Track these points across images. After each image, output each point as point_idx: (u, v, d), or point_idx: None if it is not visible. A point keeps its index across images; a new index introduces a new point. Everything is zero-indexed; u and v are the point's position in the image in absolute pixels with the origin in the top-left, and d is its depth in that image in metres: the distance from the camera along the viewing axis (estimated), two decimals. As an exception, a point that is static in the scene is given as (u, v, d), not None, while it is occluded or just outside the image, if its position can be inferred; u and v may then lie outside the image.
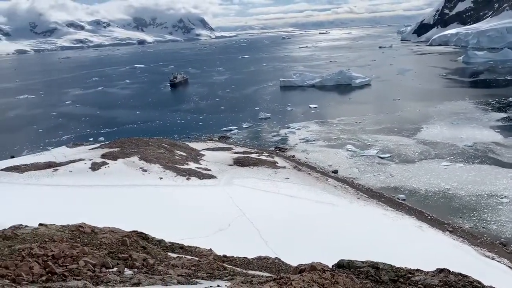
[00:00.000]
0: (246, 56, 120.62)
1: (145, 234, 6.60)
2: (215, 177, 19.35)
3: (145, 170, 19.12)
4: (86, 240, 5.49)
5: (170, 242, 6.81)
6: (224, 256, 6.81)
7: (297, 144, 26.81)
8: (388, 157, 22.75)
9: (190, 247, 6.92)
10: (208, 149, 25.86)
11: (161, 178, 18.15)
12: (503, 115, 30.38)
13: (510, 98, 35.84)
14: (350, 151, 24.26)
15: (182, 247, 6.82)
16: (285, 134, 29.32)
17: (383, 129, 28.83)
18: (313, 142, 26.94)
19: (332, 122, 32.03)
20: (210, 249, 7.04)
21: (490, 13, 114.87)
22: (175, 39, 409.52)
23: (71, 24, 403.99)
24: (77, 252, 4.63)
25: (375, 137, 26.75)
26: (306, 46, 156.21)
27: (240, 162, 22.27)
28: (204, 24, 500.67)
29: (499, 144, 23.53)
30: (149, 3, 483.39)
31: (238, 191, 16.22)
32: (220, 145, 27.37)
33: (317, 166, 22.20)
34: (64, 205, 13.94)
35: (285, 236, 10.95)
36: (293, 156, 24.30)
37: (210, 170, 20.34)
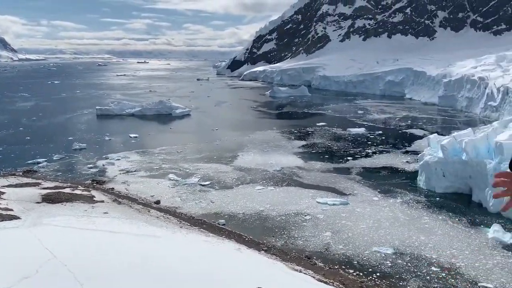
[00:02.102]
0: (56, 82, 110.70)
1: None
2: (19, 218, 16.91)
3: None
4: None
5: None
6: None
7: (116, 175, 25.59)
8: (209, 184, 23.60)
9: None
10: (9, 185, 22.49)
11: None
12: (303, 142, 34.91)
13: (307, 128, 41.51)
14: (172, 180, 24.32)
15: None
16: (103, 165, 27.70)
17: (203, 157, 29.87)
18: (134, 173, 26.12)
19: (153, 151, 31.70)
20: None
21: (289, 54, 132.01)
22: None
23: None
24: None
25: (196, 166, 27.48)
26: (124, 75, 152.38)
27: (50, 199, 19.96)
28: (4, 44, 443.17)
29: (301, 168, 26.85)
30: None
31: (47, 231, 14.45)
32: (25, 180, 24.11)
33: (138, 198, 21.52)
34: None
35: (104, 275, 10.19)
36: (112, 188, 23.07)
37: (12, 210, 17.67)
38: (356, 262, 14.69)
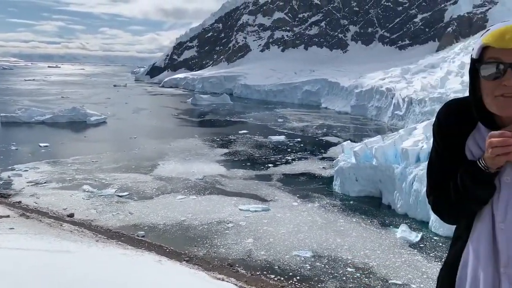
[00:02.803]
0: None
1: None
2: None
3: None
4: None
5: None
6: None
7: (24, 188, 23.65)
8: (127, 195, 22.72)
9: None
10: None
11: None
12: (226, 150, 35.06)
13: (229, 136, 41.79)
14: (87, 191, 23.03)
15: None
16: (9, 177, 25.44)
17: (121, 167, 28.71)
18: (44, 184, 24.32)
19: (66, 161, 29.80)
20: None
21: (211, 62, 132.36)
22: None
23: None
24: None
25: (113, 176, 26.33)
26: (34, 79, 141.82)
27: None
28: None
29: (224, 176, 26.92)
30: None
31: None
32: None
33: (49, 211, 20.06)
34: None
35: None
36: (19, 202, 21.26)
37: None
38: (277, 267, 15.01)
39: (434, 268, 14.93)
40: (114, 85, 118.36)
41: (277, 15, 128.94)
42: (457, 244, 1.86)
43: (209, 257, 15.68)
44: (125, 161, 30.37)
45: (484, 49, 1.62)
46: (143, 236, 17.43)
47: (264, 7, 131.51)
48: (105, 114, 52.46)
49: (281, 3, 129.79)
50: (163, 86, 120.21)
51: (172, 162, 30.46)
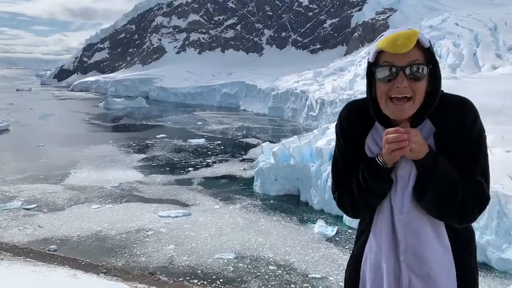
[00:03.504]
0: None
1: None
2: None
3: None
4: None
5: None
6: None
7: None
8: (35, 207, 21.05)
9: None
10: None
11: None
12: (143, 155, 33.98)
13: (147, 141, 40.58)
14: (-13, 206, 20.94)
15: None
16: None
17: (27, 177, 26.53)
18: None
19: (-40, 174, 26.84)
20: None
21: (124, 64, 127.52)
22: None
23: None
24: None
25: (18, 187, 24.25)
26: None
27: None
28: None
29: (142, 182, 26.07)
30: None
31: None
32: None
33: None
34: None
35: None
36: None
37: None
38: (200, 271, 14.89)
39: (350, 260, 15.81)
40: (17, 90, 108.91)
41: (192, 17, 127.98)
42: (362, 237, 1.99)
43: (128, 267, 15.09)
44: (32, 171, 28.12)
45: (379, 53, 1.75)
46: (55, 251, 16.27)
47: (179, 9, 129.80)
48: (7, 121, 48.08)
49: (196, 6, 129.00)
50: (72, 90, 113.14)
51: (85, 170, 28.84)
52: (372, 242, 1.91)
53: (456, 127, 1.75)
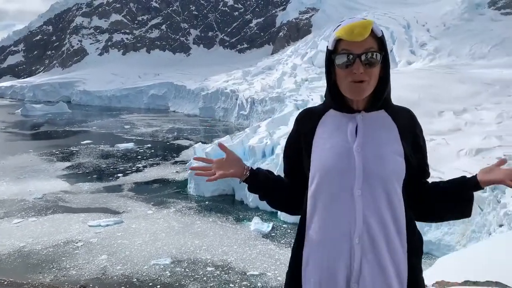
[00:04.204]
0: None
1: None
2: None
3: None
4: None
5: None
6: None
7: None
8: None
9: None
10: None
11: None
12: (68, 164, 32.15)
13: (71, 148, 38.45)
14: None
15: None
16: None
17: None
18: None
19: None
20: None
21: (42, 68, 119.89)
22: None
23: None
24: None
25: None
26: None
27: None
28: None
29: (68, 192, 24.67)
30: None
31: None
32: None
33: None
34: None
35: None
36: None
37: None
38: (135, 279, 14.42)
39: (286, 254, 16.17)
40: None
41: (115, 17, 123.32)
42: (302, 222, 2.03)
43: (57, 282, 14.21)
44: None
45: (337, 41, 1.87)
46: (-29, 273, 14.89)
47: (100, 9, 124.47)
48: None
49: (117, 5, 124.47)
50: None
51: (4, 182, 26.71)
52: (314, 227, 1.94)
53: (410, 125, 1.97)
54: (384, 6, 75.42)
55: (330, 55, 1.90)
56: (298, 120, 2.09)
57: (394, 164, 1.84)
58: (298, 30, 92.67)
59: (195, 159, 2.19)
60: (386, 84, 1.92)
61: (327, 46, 1.92)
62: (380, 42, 1.87)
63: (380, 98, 1.92)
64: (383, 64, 1.89)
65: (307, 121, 2.04)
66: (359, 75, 1.81)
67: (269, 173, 2.17)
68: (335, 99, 1.94)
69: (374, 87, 1.88)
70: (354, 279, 1.80)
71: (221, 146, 2.17)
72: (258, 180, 2.12)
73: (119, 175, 28.60)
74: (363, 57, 1.81)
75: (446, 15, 55.46)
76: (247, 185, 2.15)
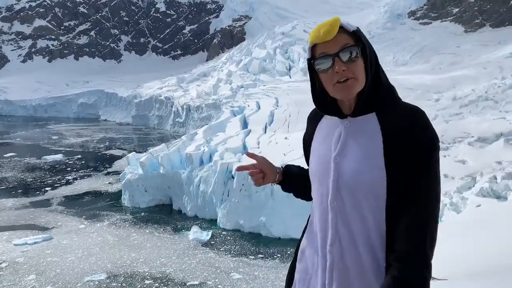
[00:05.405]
0: None
1: None
2: None
3: None
4: None
5: None
6: None
7: None
8: None
9: None
10: None
11: None
12: (-12, 179, 29.71)
13: (-8, 162, 35.62)
14: None
15: None
16: None
17: None
18: None
19: None
20: None
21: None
22: None
23: None
24: None
25: None
26: None
27: None
28: None
29: (-11, 209, 22.79)
30: None
31: None
32: None
33: None
34: None
35: None
36: None
37: None
38: (68, 299, 13.61)
39: (226, 262, 16.09)
40: None
41: (39, 22, 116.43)
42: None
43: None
44: None
45: (313, 48, 1.82)
46: None
47: (21, 14, 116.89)
48: None
49: (41, 10, 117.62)
50: None
51: None
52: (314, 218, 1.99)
53: (406, 134, 1.68)
54: (314, 15, 78.09)
55: (311, 63, 1.85)
56: (307, 120, 2.12)
57: (369, 178, 1.68)
58: (232, 37, 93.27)
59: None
60: (377, 82, 1.83)
61: (306, 57, 1.90)
62: (356, 37, 1.80)
63: (367, 101, 1.81)
64: (367, 59, 1.80)
65: (312, 122, 2.06)
66: (342, 73, 1.74)
67: (299, 169, 2.20)
68: (323, 105, 1.90)
69: (362, 84, 1.78)
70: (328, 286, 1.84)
71: (249, 154, 2.08)
72: (291, 180, 2.17)
73: (47, 188, 26.91)
74: (341, 55, 1.75)
75: (371, 24, 58.58)
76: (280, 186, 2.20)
